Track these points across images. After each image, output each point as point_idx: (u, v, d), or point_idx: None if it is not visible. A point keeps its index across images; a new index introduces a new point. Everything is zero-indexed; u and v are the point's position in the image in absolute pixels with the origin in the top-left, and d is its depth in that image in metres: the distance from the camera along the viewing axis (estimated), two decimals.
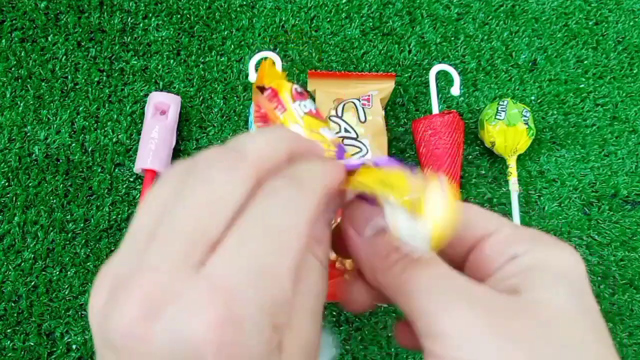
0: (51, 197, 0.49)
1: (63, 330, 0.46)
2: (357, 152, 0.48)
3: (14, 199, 0.49)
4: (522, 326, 0.15)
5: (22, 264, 0.47)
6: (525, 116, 0.50)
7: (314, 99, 0.53)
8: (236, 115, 0.53)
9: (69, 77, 0.53)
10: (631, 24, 0.58)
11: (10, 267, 0.47)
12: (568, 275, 0.16)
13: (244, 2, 0.57)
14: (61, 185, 0.50)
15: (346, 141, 0.49)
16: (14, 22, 0.54)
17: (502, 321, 0.15)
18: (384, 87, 0.52)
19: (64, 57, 0.53)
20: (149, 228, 0.17)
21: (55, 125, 0.51)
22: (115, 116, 0.52)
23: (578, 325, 0.15)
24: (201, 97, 0.53)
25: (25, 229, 0.48)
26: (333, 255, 0.33)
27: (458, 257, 0.20)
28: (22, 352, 0.45)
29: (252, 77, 0.54)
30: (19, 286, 0.47)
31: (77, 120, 0.52)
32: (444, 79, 0.55)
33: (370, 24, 0.57)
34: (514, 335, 0.15)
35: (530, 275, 0.16)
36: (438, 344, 0.16)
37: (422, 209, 0.16)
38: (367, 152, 0.49)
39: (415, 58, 0.56)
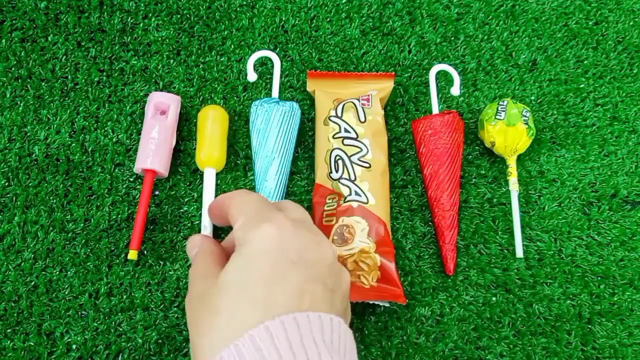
0: (51, 197, 0.49)
1: (63, 330, 0.46)
2: (357, 152, 0.48)
3: (14, 199, 0.49)
4: (234, 257, 0.31)
5: (22, 264, 0.47)
6: (525, 116, 0.50)
7: (313, 99, 0.53)
8: (236, 115, 0.53)
9: (69, 77, 0.53)
10: (631, 24, 0.58)
11: (10, 267, 0.47)
12: (246, 245, 0.31)
13: (244, 2, 0.57)
14: (61, 185, 0.50)
15: (346, 141, 0.49)
16: (14, 22, 0.54)
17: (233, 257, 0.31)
18: (383, 87, 0.52)
19: (64, 57, 0.53)
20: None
21: (55, 125, 0.51)
22: (115, 116, 0.52)
23: (243, 263, 0.31)
24: (201, 97, 0.53)
25: (25, 229, 0.48)
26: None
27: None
28: (22, 352, 0.45)
29: (251, 77, 0.54)
30: (19, 286, 0.47)
31: (77, 120, 0.52)
32: (444, 79, 0.55)
33: (370, 24, 0.57)
34: (234, 259, 0.31)
35: (238, 244, 0.32)
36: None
37: None
38: (368, 152, 0.49)
39: (415, 58, 0.56)
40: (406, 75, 0.55)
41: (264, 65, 0.55)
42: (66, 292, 0.47)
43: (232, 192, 0.36)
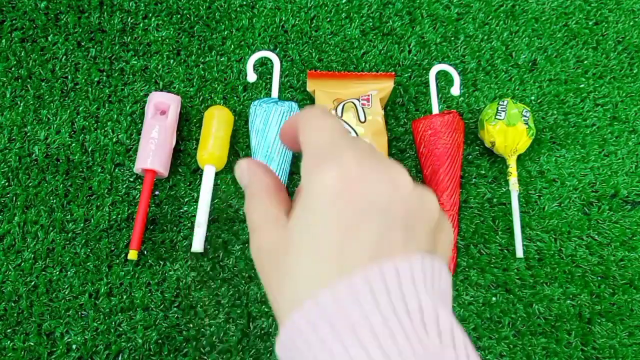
0: (51, 197, 0.49)
1: (63, 330, 0.46)
2: None
3: (14, 199, 0.49)
4: (299, 205, 0.28)
5: (22, 264, 0.47)
6: (525, 116, 0.50)
7: (313, 99, 0.53)
8: (236, 115, 0.53)
9: (69, 77, 0.53)
10: (631, 24, 0.58)
11: (10, 267, 0.47)
12: (309, 194, 0.28)
13: (244, 2, 0.57)
14: (61, 185, 0.50)
15: None
16: (14, 22, 0.54)
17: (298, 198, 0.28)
18: (383, 87, 0.52)
19: (64, 57, 0.53)
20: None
21: (55, 125, 0.51)
22: (115, 116, 0.52)
23: (310, 206, 0.27)
24: (201, 97, 0.53)
25: (25, 229, 0.48)
26: None
27: None
28: (22, 352, 0.45)
29: (251, 77, 0.54)
30: (19, 286, 0.47)
31: (77, 120, 0.52)
32: (444, 79, 0.55)
33: (370, 24, 0.57)
34: (298, 208, 0.28)
35: (303, 186, 0.29)
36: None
37: None
38: None
39: (415, 58, 0.56)
40: (406, 75, 0.55)
41: (264, 66, 0.55)
42: (66, 292, 0.47)
43: (306, 110, 0.30)
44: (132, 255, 0.46)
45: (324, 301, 0.23)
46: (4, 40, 0.54)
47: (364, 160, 0.27)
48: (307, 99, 0.54)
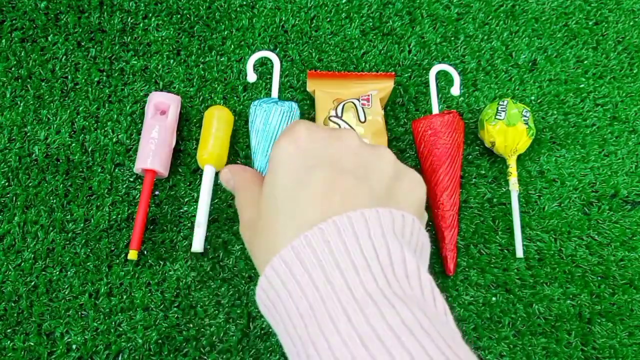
0: (51, 197, 0.49)
1: (63, 330, 0.46)
2: None
3: (14, 199, 0.49)
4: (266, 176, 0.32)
5: (22, 264, 0.47)
6: (525, 116, 0.50)
7: (313, 99, 0.53)
8: (236, 115, 0.53)
9: (69, 77, 0.53)
10: (631, 24, 0.58)
11: (10, 267, 0.47)
12: (270, 162, 0.32)
13: (244, 2, 0.57)
14: (61, 185, 0.50)
15: None
16: (14, 22, 0.54)
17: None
18: (383, 87, 0.52)
19: (64, 57, 0.53)
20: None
21: (55, 125, 0.51)
22: (115, 116, 0.52)
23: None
24: (201, 97, 0.53)
25: (25, 229, 0.48)
26: None
27: None
28: (22, 352, 0.45)
29: (251, 77, 0.54)
30: (19, 286, 0.47)
31: (77, 120, 0.52)
32: (444, 79, 0.55)
33: (370, 24, 0.57)
34: (265, 178, 0.32)
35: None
36: None
37: None
38: None
39: (415, 58, 0.56)
40: (406, 75, 0.55)
41: (264, 65, 0.55)
42: (66, 292, 0.47)
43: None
44: (132, 255, 0.46)
45: (297, 244, 0.26)
46: (4, 40, 0.54)
47: (313, 128, 0.31)
48: (307, 99, 0.54)
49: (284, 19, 0.56)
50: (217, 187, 0.50)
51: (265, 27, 0.56)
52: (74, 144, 0.51)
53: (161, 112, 0.50)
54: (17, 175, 0.50)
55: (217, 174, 0.50)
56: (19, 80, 0.52)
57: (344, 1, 0.57)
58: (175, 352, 0.46)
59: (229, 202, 0.50)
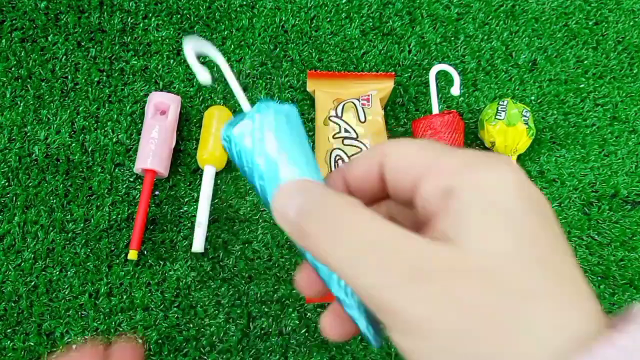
0: (51, 197, 0.49)
1: (63, 330, 0.46)
2: (358, 152, 0.48)
3: (14, 199, 0.49)
4: (465, 292, 0.14)
5: (22, 264, 0.47)
6: (525, 116, 0.50)
7: (313, 99, 0.53)
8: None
9: (69, 77, 0.53)
10: (631, 24, 0.58)
11: (10, 267, 0.47)
12: (498, 202, 0.16)
13: (244, 2, 0.57)
14: (61, 185, 0.50)
15: (346, 141, 0.49)
16: (14, 22, 0.54)
17: (443, 288, 0.15)
18: (383, 87, 0.52)
19: (64, 57, 0.53)
20: None
21: (55, 125, 0.51)
22: (115, 116, 0.52)
23: (524, 272, 0.15)
24: (201, 97, 0.53)
25: (25, 229, 0.48)
26: None
27: (408, 204, 0.19)
28: (22, 352, 0.45)
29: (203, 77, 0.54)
30: (19, 286, 0.47)
31: (77, 120, 0.52)
32: (444, 79, 0.55)
33: (370, 24, 0.57)
34: (460, 304, 0.14)
35: (459, 214, 0.16)
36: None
37: None
38: None
39: (415, 58, 0.56)
40: (406, 75, 0.55)
41: (264, 66, 0.55)
42: (66, 292, 0.47)
43: (379, 144, 0.22)
44: (132, 255, 0.46)
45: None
46: (4, 40, 0.54)
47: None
48: (307, 99, 0.54)
49: (284, 19, 0.56)
50: (217, 187, 0.50)
51: (265, 27, 0.56)
52: (74, 144, 0.51)
53: (161, 112, 0.50)
54: (17, 175, 0.50)
55: (217, 174, 0.50)
56: (19, 80, 0.52)
57: (344, 1, 0.57)
58: (175, 352, 0.46)
59: (229, 202, 0.50)
